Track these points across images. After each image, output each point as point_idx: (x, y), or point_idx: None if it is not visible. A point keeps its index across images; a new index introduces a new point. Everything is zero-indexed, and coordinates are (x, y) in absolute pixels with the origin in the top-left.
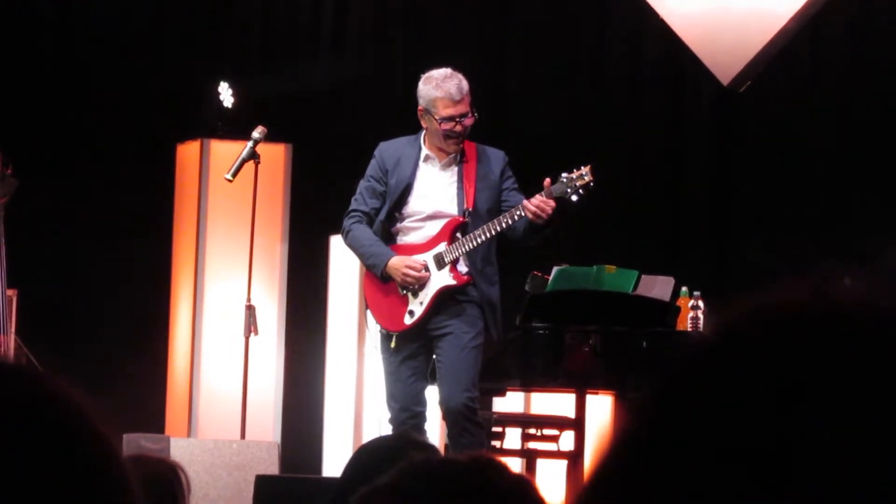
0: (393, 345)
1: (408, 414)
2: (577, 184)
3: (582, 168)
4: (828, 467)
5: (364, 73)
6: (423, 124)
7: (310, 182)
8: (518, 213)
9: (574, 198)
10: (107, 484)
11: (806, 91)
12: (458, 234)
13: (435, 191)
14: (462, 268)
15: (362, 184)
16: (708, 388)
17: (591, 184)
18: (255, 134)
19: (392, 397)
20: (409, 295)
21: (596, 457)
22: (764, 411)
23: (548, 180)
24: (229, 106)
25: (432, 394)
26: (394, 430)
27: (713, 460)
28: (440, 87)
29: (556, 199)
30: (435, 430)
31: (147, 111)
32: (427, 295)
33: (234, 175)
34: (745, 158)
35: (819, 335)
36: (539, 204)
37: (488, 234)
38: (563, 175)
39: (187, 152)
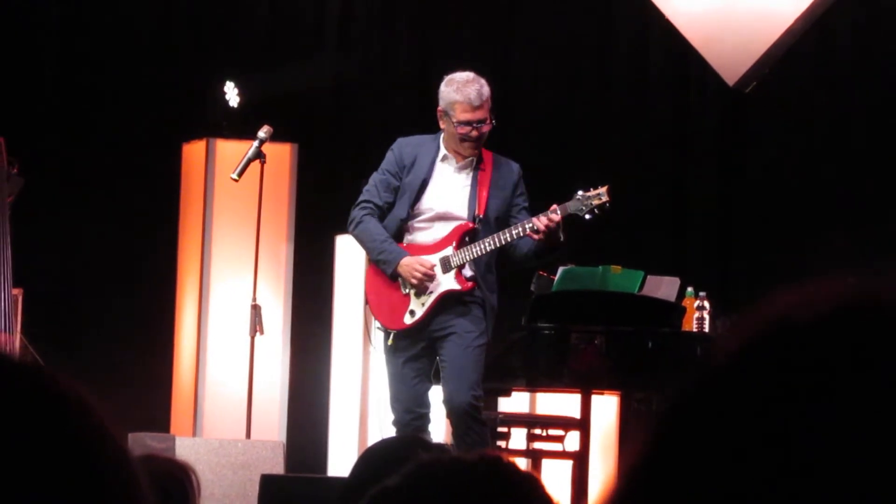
0: (390, 342)
1: (412, 416)
2: (594, 203)
3: (599, 188)
4: (856, 472)
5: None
6: (441, 125)
7: (316, 182)
8: (529, 225)
9: (588, 216)
10: (117, 483)
11: (811, 92)
12: (467, 240)
13: (448, 191)
14: (467, 272)
15: (376, 176)
16: (734, 396)
17: (607, 204)
18: (261, 133)
19: (396, 399)
20: (412, 295)
21: (619, 467)
22: (794, 421)
23: (554, 206)
24: (235, 105)
25: (435, 395)
26: (397, 431)
27: (739, 470)
28: (461, 90)
29: (569, 217)
30: (439, 431)
31: (153, 110)
32: (430, 297)
33: (240, 175)
34: (750, 159)
35: (846, 337)
36: (548, 224)
37: (498, 244)
38: (579, 193)
39: (193, 152)
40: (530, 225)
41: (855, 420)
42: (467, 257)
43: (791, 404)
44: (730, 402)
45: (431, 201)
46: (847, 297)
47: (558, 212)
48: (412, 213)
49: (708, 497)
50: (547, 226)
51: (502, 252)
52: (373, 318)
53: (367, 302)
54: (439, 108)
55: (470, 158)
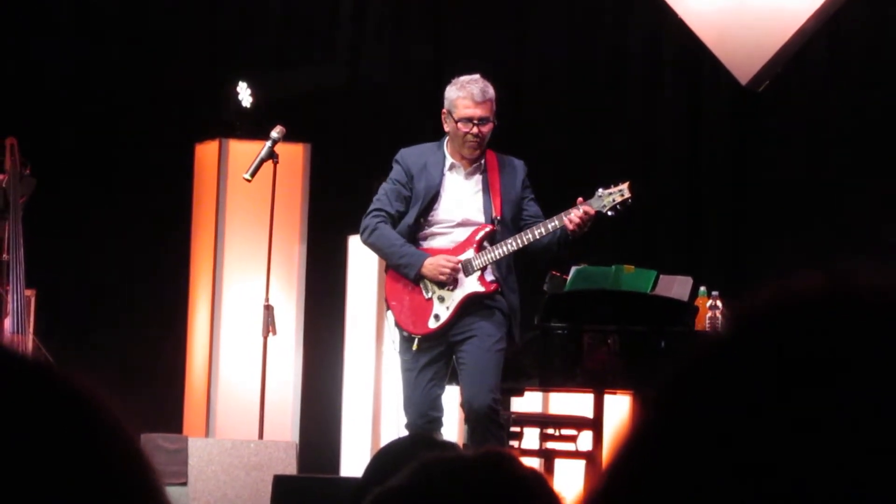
0: (415, 347)
1: (425, 420)
2: (616, 199)
3: (620, 184)
4: (848, 458)
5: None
6: (445, 128)
7: (328, 182)
8: (552, 224)
9: (610, 213)
10: (131, 482)
11: (824, 90)
12: (486, 243)
13: (463, 199)
14: (489, 276)
15: (385, 186)
16: (722, 378)
17: (629, 200)
18: (274, 134)
19: (409, 402)
20: (435, 299)
21: (610, 452)
22: (779, 401)
23: (581, 199)
24: (248, 106)
25: (448, 399)
26: (410, 434)
27: (729, 452)
28: (464, 87)
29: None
30: (453, 435)
31: (166, 111)
32: (454, 300)
33: (253, 175)
34: (763, 158)
35: (835, 320)
36: (583, 217)
37: (519, 244)
38: (600, 190)
39: (206, 152)
40: (553, 224)
41: (845, 403)
42: (489, 259)
43: (779, 388)
44: (719, 385)
45: (448, 212)
46: (833, 285)
47: (590, 205)
48: (426, 222)
49: (698, 479)
50: (582, 218)
51: (521, 250)
52: (387, 320)
53: (388, 308)
54: (443, 109)
55: (477, 164)
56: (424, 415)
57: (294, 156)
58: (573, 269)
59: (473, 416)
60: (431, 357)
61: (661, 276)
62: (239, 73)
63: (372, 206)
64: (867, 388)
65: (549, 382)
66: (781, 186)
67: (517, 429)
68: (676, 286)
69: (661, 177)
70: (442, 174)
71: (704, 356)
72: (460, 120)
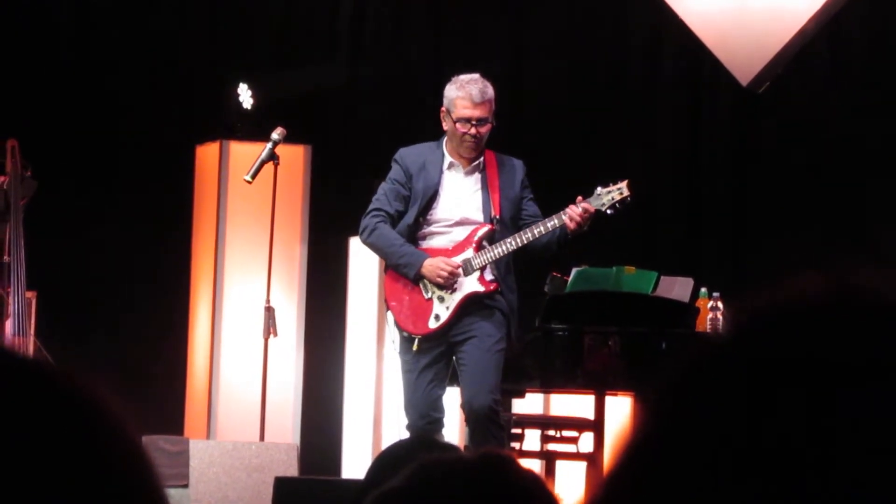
0: (415, 347)
1: (426, 420)
2: (615, 198)
3: (619, 182)
4: (848, 458)
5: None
6: (444, 126)
7: (329, 183)
8: (552, 223)
9: (609, 212)
10: (133, 483)
11: (824, 92)
12: (485, 242)
13: (461, 198)
14: (488, 275)
15: (384, 186)
16: (723, 380)
17: (629, 199)
18: (275, 135)
19: (410, 404)
20: (435, 299)
21: (612, 455)
22: (780, 403)
23: (580, 197)
24: (248, 107)
25: (449, 399)
26: (412, 436)
27: (730, 456)
28: (463, 87)
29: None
30: (453, 436)
31: (166, 113)
32: (454, 300)
33: (254, 176)
34: (763, 159)
35: (836, 322)
36: (583, 214)
37: (518, 244)
38: (598, 188)
39: (206, 154)
40: (553, 222)
41: (845, 405)
42: (489, 259)
43: (780, 390)
44: (720, 387)
45: (447, 211)
46: (833, 287)
47: (589, 203)
48: (425, 221)
49: (699, 482)
50: (582, 216)
51: (521, 249)
52: (387, 321)
53: (388, 308)
54: (442, 107)
55: (476, 162)
56: (425, 416)
57: (295, 157)
58: (574, 271)
59: (473, 417)
60: (432, 358)
61: (662, 278)
62: (239, 74)
63: (371, 206)
64: (868, 390)
65: (550, 384)
66: (781, 186)
67: (518, 430)
68: (677, 287)
69: (661, 177)
70: (441, 173)
71: (705, 358)
72: (458, 120)
